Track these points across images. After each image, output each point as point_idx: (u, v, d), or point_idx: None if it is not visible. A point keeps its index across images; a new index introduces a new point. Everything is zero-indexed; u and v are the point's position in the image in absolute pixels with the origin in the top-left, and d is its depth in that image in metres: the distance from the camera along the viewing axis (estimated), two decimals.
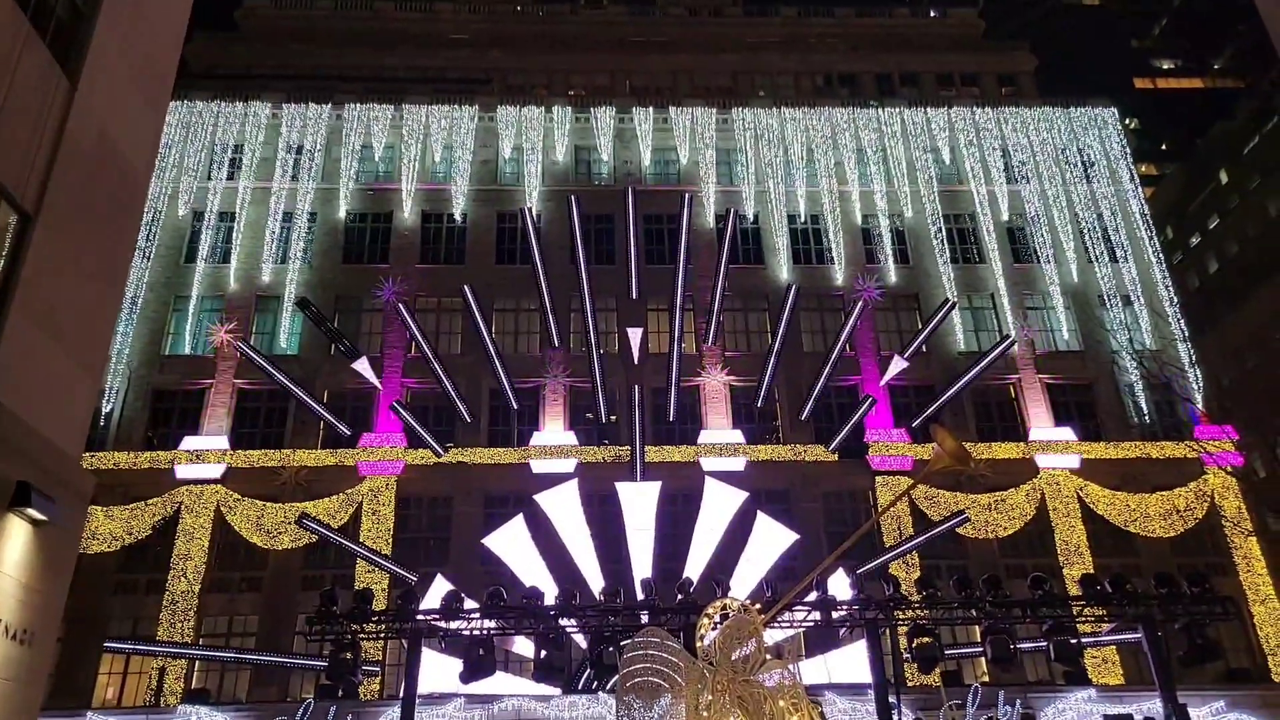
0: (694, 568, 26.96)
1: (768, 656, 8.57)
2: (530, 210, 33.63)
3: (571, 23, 44.90)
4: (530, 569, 26.79)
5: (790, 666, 8.47)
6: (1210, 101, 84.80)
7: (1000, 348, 31.70)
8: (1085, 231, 35.00)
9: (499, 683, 22.84)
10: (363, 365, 30.76)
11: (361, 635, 19.72)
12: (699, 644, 8.73)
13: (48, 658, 10.53)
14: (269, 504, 28.33)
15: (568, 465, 29.32)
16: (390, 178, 34.96)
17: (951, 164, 36.59)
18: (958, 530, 28.46)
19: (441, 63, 41.06)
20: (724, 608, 8.62)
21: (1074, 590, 23.93)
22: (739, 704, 7.95)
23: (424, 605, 21.28)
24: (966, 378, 31.13)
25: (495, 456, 29.73)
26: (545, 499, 28.52)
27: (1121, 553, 29.06)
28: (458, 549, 28.58)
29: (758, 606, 9.11)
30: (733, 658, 8.24)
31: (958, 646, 25.02)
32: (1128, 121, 40.16)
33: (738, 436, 30.17)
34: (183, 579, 27.22)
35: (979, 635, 22.06)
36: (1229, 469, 29.52)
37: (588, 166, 36.19)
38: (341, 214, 33.99)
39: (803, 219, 35.07)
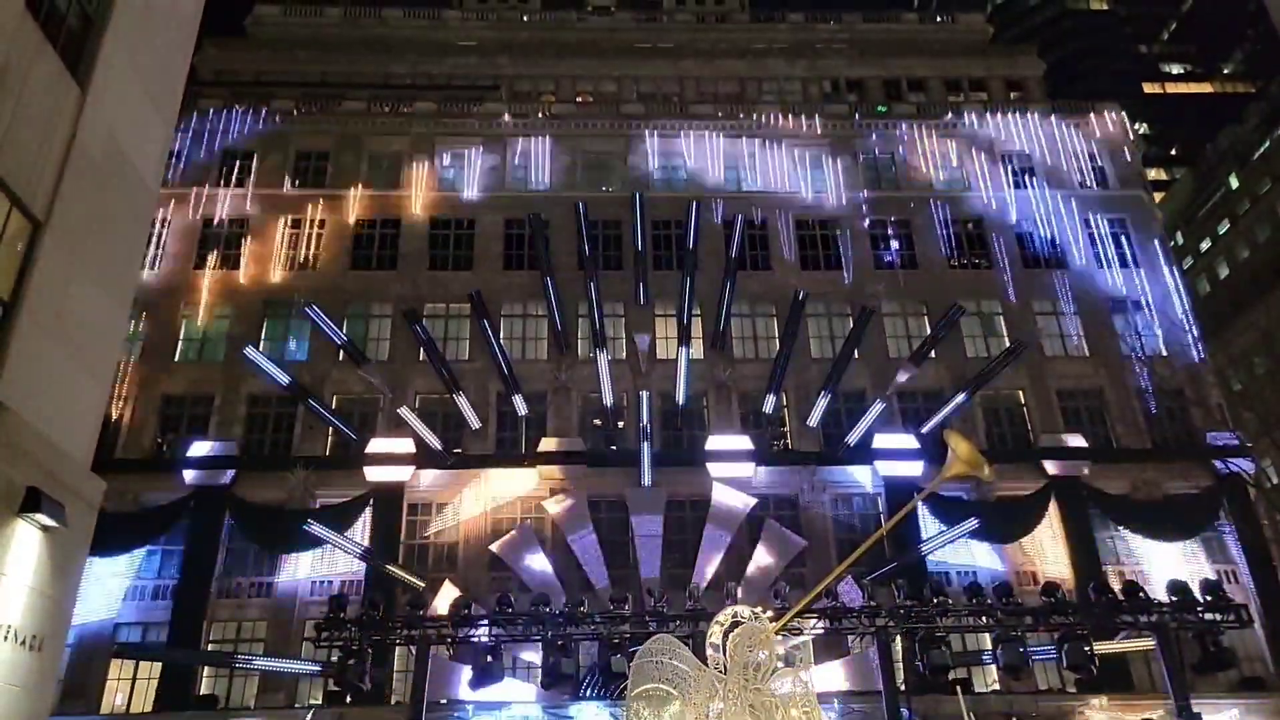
0: (702, 574, 26.88)
1: (779, 664, 8.51)
2: (538, 216, 33.70)
3: (579, 29, 45.03)
4: (538, 575, 26.79)
5: (802, 674, 8.41)
6: (1220, 106, 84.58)
7: (1009, 353, 31.57)
8: (1095, 236, 34.84)
9: (507, 689, 22.82)
10: (371, 371, 30.80)
11: (370, 642, 19.69)
12: (710, 652, 8.68)
13: (56, 664, 10.53)
14: (277, 509, 28.33)
15: (575, 471, 29.24)
16: (398, 184, 35.04)
17: (960, 168, 36.50)
18: (968, 537, 28.26)
19: (449, 69, 41.22)
20: (735, 615, 8.57)
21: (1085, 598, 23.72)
22: (751, 712, 7.89)
23: (432, 612, 21.26)
24: (975, 383, 30.99)
25: (503, 462, 29.67)
26: (553, 505, 28.51)
27: (1133, 559, 28.83)
28: (466, 555, 28.54)
29: (769, 614, 9.04)
30: (744, 665, 8.18)
31: (968, 654, 24.85)
32: (1137, 126, 40.00)
33: (745, 442, 30.03)
34: (191, 585, 27.20)
35: (990, 643, 21.94)
36: (1241, 474, 29.29)
37: (595, 172, 36.20)
38: (350, 220, 34.06)
39: (811, 224, 35.01)
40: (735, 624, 8.54)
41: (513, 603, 20.37)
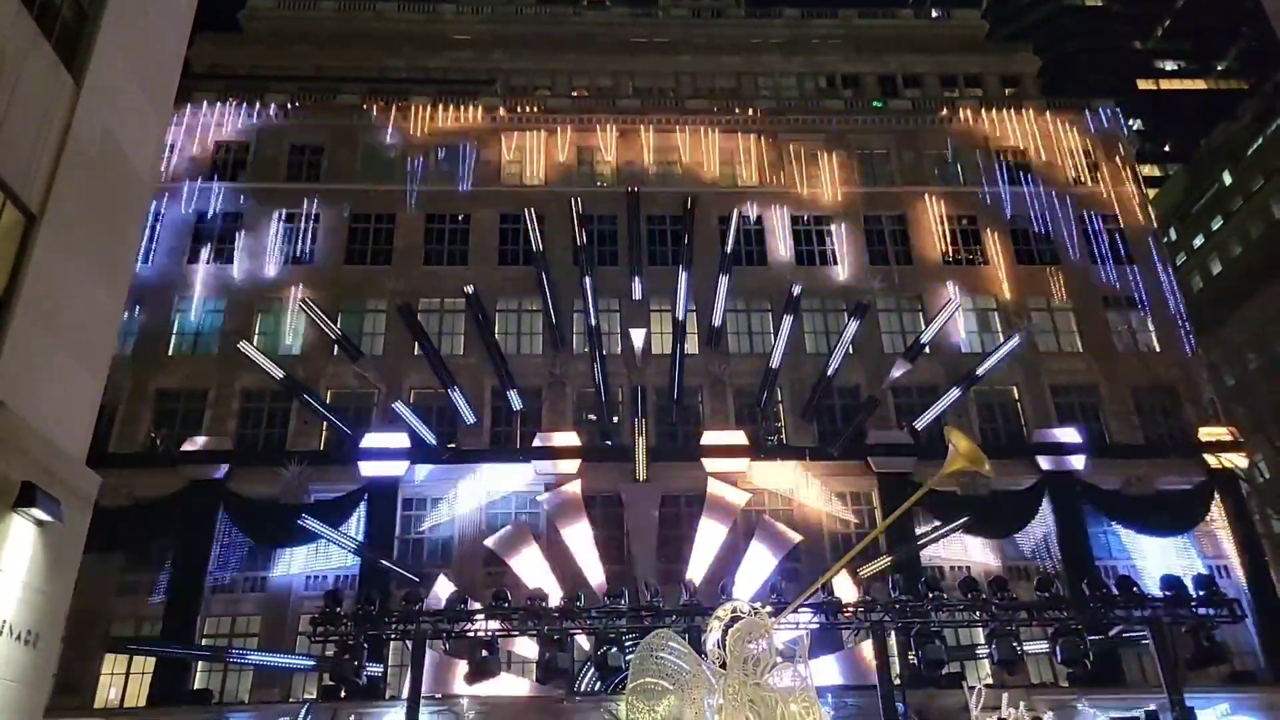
0: (697, 569, 26.94)
1: (778, 659, 8.53)
2: (533, 211, 33.66)
3: (574, 24, 44.91)
4: (533, 570, 26.81)
5: (800, 668, 8.44)
6: (1213, 103, 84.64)
7: (1004, 348, 31.68)
8: (1089, 232, 34.94)
9: (503, 684, 22.86)
10: (365, 366, 30.75)
11: (365, 636, 19.68)
12: (709, 646, 8.70)
13: (52, 659, 10.50)
14: (271, 504, 28.28)
15: (570, 466, 29.24)
16: (393, 178, 34.93)
17: (955, 164, 36.58)
18: (962, 532, 28.35)
19: (444, 64, 41.08)
20: (734, 610, 8.59)
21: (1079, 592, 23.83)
22: (750, 707, 7.91)
23: (427, 606, 21.25)
24: (970, 379, 31.09)
25: (498, 457, 29.66)
26: (548, 500, 28.53)
27: (1126, 555, 28.97)
28: (461, 550, 28.53)
29: (767, 609, 9.06)
30: (743, 660, 8.20)
31: (962, 648, 24.95)
32: (1131, 122, 40.12)
33: (740, 438, 30.06)
34: (185, 579, 27.14)
35: (983, 637, 22.02)
36: (1234, 470, 29.41)
37: (590, 167, 36.15)
38: (345, 214, 33.96)
39: (806, 219, 35.03)
40: (735, 619, 8.56)
41: (508, 597, 20.37)
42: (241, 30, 42.45)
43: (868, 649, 22.21)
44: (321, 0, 43.68)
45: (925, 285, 33.72)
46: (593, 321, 31.43)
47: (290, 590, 27.66)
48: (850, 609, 19.72)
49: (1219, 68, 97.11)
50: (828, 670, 24.32)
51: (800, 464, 29.73)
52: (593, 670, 24.14)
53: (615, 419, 30.95)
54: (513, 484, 29.22)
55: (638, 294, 32.66)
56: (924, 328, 32.55)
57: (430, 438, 29.45)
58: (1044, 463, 29.90)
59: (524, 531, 28.09)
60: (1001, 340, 32.25)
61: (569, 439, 29.82)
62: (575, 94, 40.29)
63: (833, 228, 34.71)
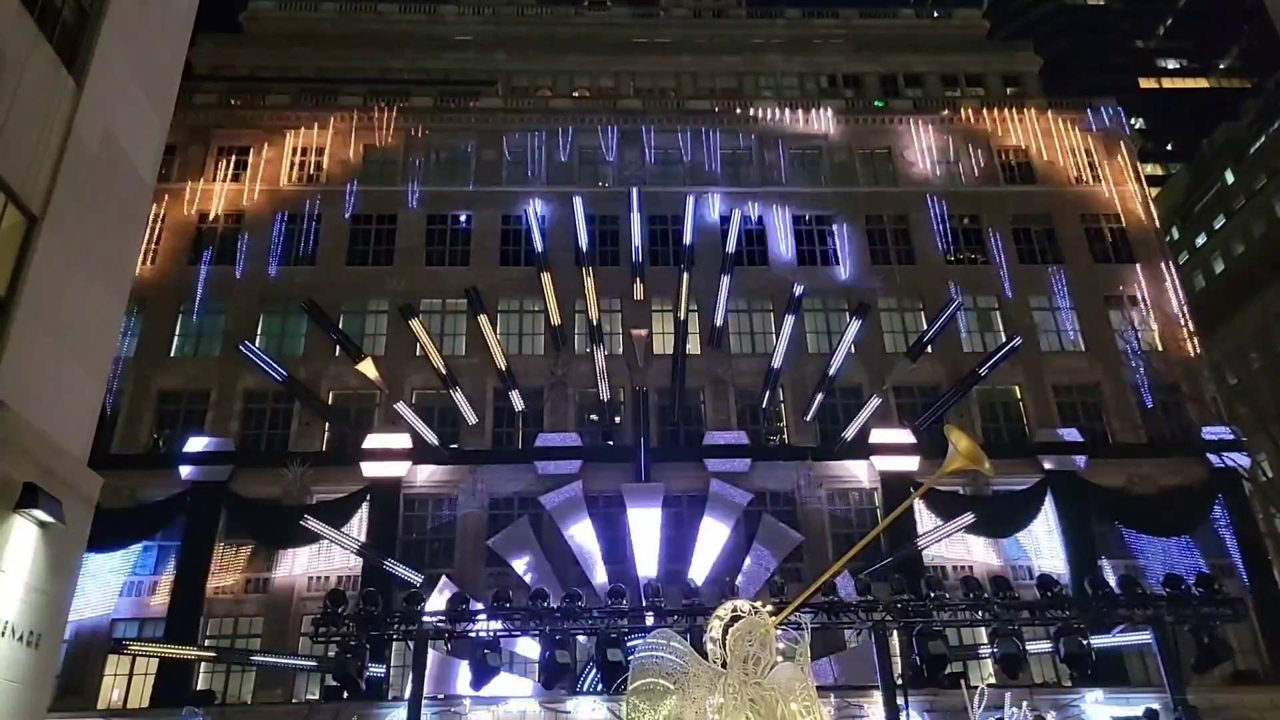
0: (699, 569, 26.94)
1: (779, 659, 8.53)
2: (534, 211, 33.66)
3: (575, 24, 44.92)
4: (535, 571, 26.82)
5: (802, 668, 8.43)
6: (1216, 102, 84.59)
7: (1006, 348, 31.64)
8: (1091, 231, 34.90)
9: (504, 684, 22.86)
10: (367, 366, 30.75)
11: (367, 637, 19.69)
12: (710, 646, 8.69)
13: (54, 660, 10.51)
14: (274, 505, 28.30)
15: (572, 466, 29.25)
16: (395, 179, 34.96)
17: (956, 163, 36.54)
18: (964, 531, 28.33)
19: (445, 64, 41.11)
20: (735, 609, 8.59)
21: (1082, 592, 23.80)
22: (751, 706, 7.91)
23: (429, 607, 21.27)
24: (972, 378, 31.05)
25: (500, 458, 29.66)
26: (550, 500, 28.52)
27: (1129, 554, 28.93)
28: (463, 551, 28.55)
29: (769, 608, 9.06)
30: (744, 659, 8.20)
31: (964, 648, 24.91)
32: (1133, 121, 40.08)
33: (742, 437, 30.08)
34: (188, 580, 27.17)
35: (986, 637, 22.00)
36: (1237, 469, 29.36)
37: (592, 167, 36.15)
38: (346, 215, 33.98)
39: (808, 219, 35.00)
40: (735, 618, 8.55)
41: (510, 598, 20.38)
42: (243, 31, 42.50)
43: (870, 649, 22.17)
44: (323, 1, 43.73)
45: (927, 285, 33.69)
46: (594, 322, 31.42)
47: (293, 591, 27.67)
48: (852, 609, 19.70)
49: (1221, 66, 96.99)
50: (830, 670, 24.30)
51: (802, 464, 29.72)
52: (594, 670, 24.14)
53: (617, 419, 30.96)
54: (514, 484, 29.23)
55: (639, 294, 32.66)
56: (926, 327, 32.53)
57: (432, 438, 29.47)
58: (1046, 462, 29.86)
59: (526, 532, 28.08)
60: (1004, 339, 32.18)
61: (570, 439, 29.83)
62: (576, 94, 40.31)
63: (834, 227, 34.69)
